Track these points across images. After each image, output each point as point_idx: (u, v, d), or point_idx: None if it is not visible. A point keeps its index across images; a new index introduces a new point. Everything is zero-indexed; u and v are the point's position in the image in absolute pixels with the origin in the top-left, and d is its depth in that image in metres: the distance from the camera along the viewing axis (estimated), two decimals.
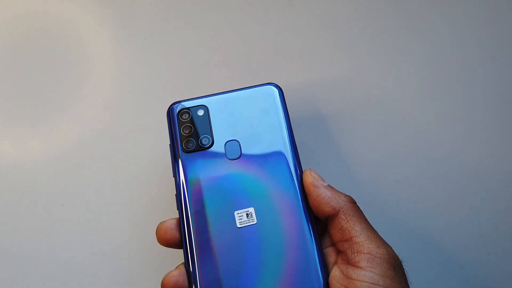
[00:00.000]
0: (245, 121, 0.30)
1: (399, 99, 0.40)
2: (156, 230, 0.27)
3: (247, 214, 0.27)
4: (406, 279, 0.25)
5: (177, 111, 0.30)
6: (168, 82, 0.41)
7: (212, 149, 0.29)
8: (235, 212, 0.27)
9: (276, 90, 0.31)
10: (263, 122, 0.30)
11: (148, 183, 0.38)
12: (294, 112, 0.38)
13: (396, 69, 0.41)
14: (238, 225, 0.27)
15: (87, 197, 0.38)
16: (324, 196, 0.26)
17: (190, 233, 0.27)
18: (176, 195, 0.28)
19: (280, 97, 0.31)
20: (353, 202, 0.27)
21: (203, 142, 0.29)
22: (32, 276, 0.36)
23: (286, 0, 0.43)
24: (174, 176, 0.29)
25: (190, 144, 0.29)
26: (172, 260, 0.34)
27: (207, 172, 0.28)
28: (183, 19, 0.43)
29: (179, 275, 0.26)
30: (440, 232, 0.37)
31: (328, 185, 0.27)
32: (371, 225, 0.26)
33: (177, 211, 0.28)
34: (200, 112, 0.30)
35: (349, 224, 0.26)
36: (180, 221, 0.27)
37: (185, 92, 0.40)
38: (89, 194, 0.38)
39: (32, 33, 0.42)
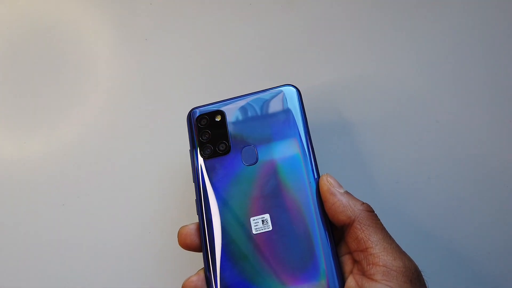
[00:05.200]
0: (262, 125, 0.29)
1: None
2: (177, 234, 0.28)
3: (262, 221, 0.27)
4: None
5: (195, 117, 0.30)
6: (168, 82, 0.41)
7: (229, 155, 0.29)
8: (251, 219, 0.27)
9: (294, 91, 0.30)
10: (280, 125, 0.29)
11: (148, 183, 0.38)
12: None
13: (397, 68, 0.39)
14: (254, 232, 0.27)
15: (88, 197, 0.38)
16: (339, 205, 0.26)
17: (209, 240, 0.27)
18: (196, 200, 0.29)
19: (298, 99, 0.30)
20: (370, 210, 0.26)
21: (220, 148, 0.29)
22: (33, 277, 0.37)
23: (286, 1, 0.41)
24: (194, 181, 0.29)
25: (208, 150, 0.29)
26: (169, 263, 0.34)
27: (225, 178, 0.29)
28: (183, 19, 0.42)
29: (198, 280, 0.27)
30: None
31: (345, 192, 0.26)
32: (388, 235, 0.25)
33: (197, 216, 0.29)
34: (218, 118, 0.30)
35: (364, 234, 0.25)
36: (200, 227, 0.28)
37: (186, 93, 0.40)
38: (90, 194, 0.38)
39: (32, 33, 0.42)
